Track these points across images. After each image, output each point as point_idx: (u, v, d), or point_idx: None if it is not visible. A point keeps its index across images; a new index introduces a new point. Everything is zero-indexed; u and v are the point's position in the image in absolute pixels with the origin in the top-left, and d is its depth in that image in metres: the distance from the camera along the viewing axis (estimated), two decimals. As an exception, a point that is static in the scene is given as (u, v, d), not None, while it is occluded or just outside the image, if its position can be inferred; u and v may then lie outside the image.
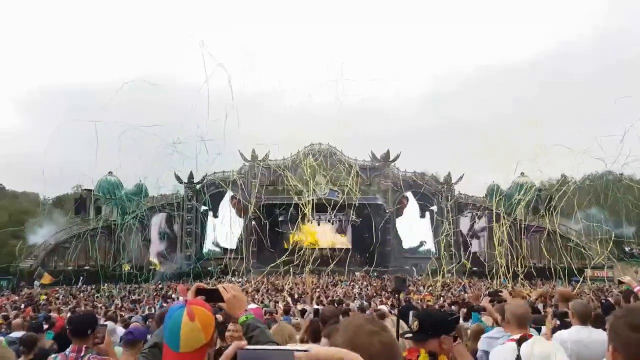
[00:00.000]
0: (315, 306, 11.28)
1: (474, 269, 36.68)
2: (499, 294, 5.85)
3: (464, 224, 44.51)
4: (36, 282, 31.98)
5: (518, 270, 19.14)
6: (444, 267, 26.21)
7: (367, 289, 22.86)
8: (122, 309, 14.40)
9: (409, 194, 46.02)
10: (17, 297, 21.50)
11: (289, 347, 1.25)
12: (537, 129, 19.66)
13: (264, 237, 33.53)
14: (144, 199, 42.12)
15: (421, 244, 46.55)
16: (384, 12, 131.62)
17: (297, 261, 21.92)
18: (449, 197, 43.20)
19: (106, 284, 28.87)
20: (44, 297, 20.66)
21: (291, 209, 29.06)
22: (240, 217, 41.72)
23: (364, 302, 14.18)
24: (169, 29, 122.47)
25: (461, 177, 45.05)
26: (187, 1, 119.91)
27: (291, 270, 22.40)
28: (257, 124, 59.03)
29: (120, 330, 6.80)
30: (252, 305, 4.67)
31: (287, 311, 10.11)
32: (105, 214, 42.23)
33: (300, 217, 26.91)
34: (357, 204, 36.00)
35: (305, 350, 1.09)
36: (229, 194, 42.80)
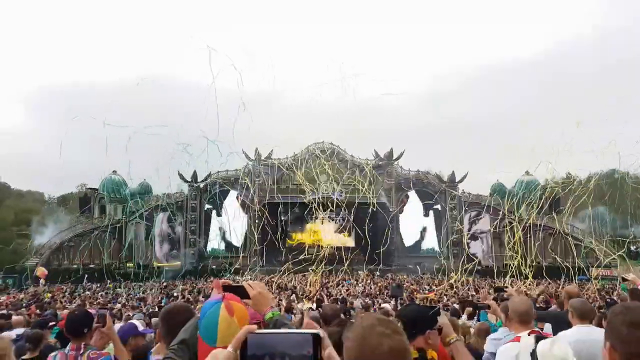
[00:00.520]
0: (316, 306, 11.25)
1: (479, 267, 36.48)
2: (504, 289, 5.84)
3: (468, 222, 44.36)
4: (41, 281, 32.16)
5: (526, 271, 18.96)
6: (457, 267, 25.98)
7: (371, 288, 22.81)
8: (126, 306, 14.44)
9: (411, 193, 45.91)
10: (22, 295, 21.64)
11: (296, 330, 1.24)
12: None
13: (273, 235, 33.54)
14: (146, 198, 42.33)
15: (422, 237, 46.35)
16: (384, 12, 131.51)
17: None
18: (454, 196, 43.06)
19: (112, 283, 29.00)
20: (49, 295, 20.76)
21: (295, 207, 29.01)
22: (245, 214, 41.85)
23: (368, 300, 14.14)
24: (169, 29, 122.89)
25: (465, 176, 44.94)
26: (187, 1, 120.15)
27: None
28: (258, 123, 58.92)
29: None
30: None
31: (289, 309, 10.10)
32: (110, 213, 42.45)
33: (304, 215, 26.86)
34: (362, 203, 35.83)
35: (314, 333, 1.10)
36: (233, 192, 42.97)
